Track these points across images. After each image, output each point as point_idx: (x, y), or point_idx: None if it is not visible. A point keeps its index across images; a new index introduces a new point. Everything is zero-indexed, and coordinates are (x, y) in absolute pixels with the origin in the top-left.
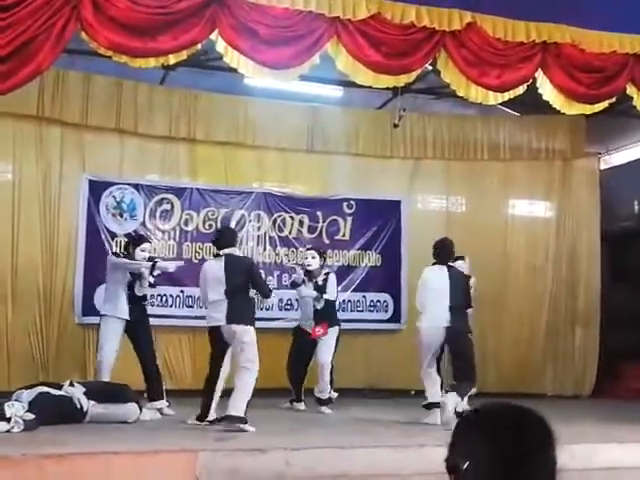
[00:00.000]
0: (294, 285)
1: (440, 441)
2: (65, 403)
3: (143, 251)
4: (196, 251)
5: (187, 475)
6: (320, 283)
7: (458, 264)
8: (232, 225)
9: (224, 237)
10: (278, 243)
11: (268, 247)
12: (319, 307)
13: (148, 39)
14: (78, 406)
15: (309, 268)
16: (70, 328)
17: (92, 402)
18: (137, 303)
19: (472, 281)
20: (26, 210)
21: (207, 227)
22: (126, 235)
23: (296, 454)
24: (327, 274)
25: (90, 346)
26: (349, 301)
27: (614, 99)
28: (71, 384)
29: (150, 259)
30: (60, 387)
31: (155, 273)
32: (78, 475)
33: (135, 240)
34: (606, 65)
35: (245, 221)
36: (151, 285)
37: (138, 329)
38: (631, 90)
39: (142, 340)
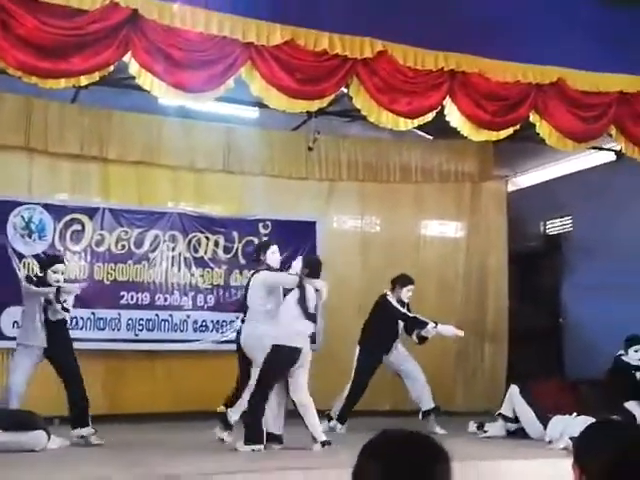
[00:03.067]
0: None
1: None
2: None
3: (56, 272)
4: (108, 272)
5: None
6: None
7: (411, 288)
8: (146, 246)
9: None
10: (193, 264)
11: (183, 268)
12: None
13: (59, 60)
14: None
15: None
16: None
17: None
18: (55, 328)
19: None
20: None
21: (120, 248)
22: (35, 257)
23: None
24: None
25: None
26: None
27: (519, 126)
28: None
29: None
30: None
31: (62, 298)
32: None
33: (46, 262)
34: (510, 94)
35: (159, 242)
36: (65, 309)
37: (59, 355)
38: (534, 118)
39: (65, 366)
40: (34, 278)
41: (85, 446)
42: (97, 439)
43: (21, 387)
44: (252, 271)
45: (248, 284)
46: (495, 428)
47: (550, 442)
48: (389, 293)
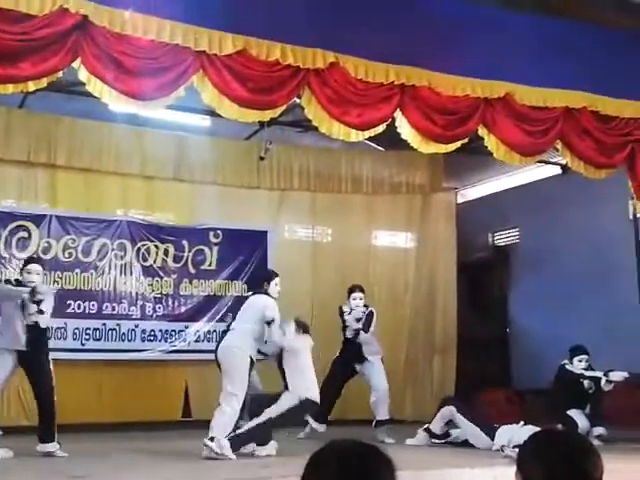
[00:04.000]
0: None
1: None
2: None
3: (29, 273)
4: (55, 280)
5: None
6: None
7: (356, 296)
8: (94, 254)
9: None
10: (142, 273)
11: (132, 277)
12: None
13: (6, 65)
14: None
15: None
16: None
17: None
18: (35, 333)
19: None
20: None
21: (67, 256)
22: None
23: None
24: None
25: None
26: (214, 331)
27: (467, 139)
28: None
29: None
30: None
31: (37, 299)
32: None
33: (24, 263)
34: (459, 108)
35: (107, 250)
36: (40, 312)
37: (33, 361)
38: (482, 131)
39: (37, 373)
40: (13, 282)
41: (31, 457)
42: (62, 452)
43: None
44: (252, 291)
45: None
46: (419, 439)
47: (497, 451)
48: (346, 303)
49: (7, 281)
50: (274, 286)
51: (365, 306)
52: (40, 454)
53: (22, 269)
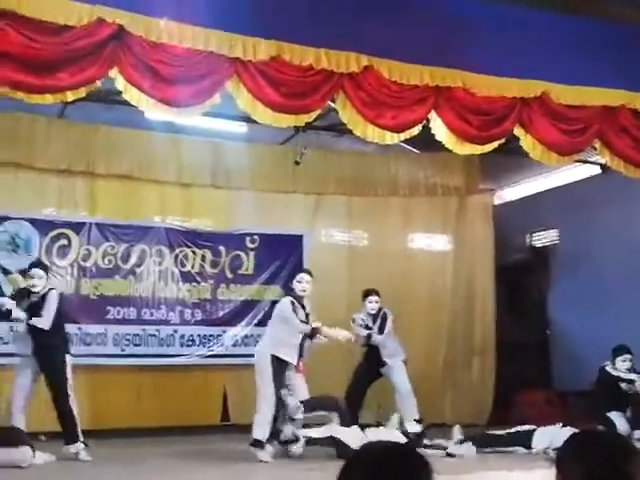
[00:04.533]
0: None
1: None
2: None
3: (32, 277)
4: (94, 287)
5: None
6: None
7: (372, 299)
8: (133, 260)
9: None
10: (180, 278)
11: (170, 282)
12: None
13: (45, 76)
14: None
15: (303, 294)
16: None
17: None
18: (39, 337)
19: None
20: None
21: (106, 262)
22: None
23: None
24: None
25: None
26: (251, 335)
27: (504, 139)
28: None
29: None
30: None
31: (12, 317)
32: None
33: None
34: (495, 108)
35: (146, 256)
36: (31, 317)
37: (45, 365)
38: (519, 132)
39: (49, 375)
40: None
41: (72, 461)
42: (86, 455)
43: (23, 401)
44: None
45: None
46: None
47: (537, 454)
48: (359, 310)
49: (14, 295)
50: (297, 283)
51: (379, 309)
52: (69, 456)
53: (26, 273)
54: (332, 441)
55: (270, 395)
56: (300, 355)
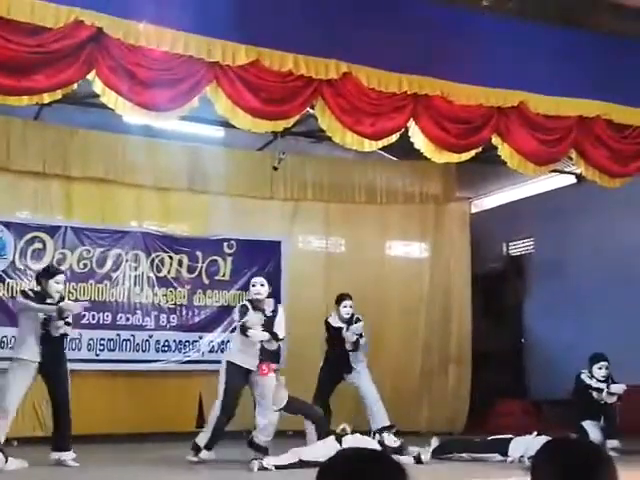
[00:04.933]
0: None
1: None
2: None
3: (58, 283)
4: (69, 292)
5: None
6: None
7: (347, 304)
8: (108, 265)
9: None
10: (156, 283)
11: (146, 287)
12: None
13: (21, 77)
14: None
15: (258, 297)
16: None
17: None
18: (52, 343)
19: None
20: None
21: (82, 267)
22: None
23: None
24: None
25: None
26: (227, 341)
27: (481, 148)
28: None
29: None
30: None
31: (65, 315)
32: None
33: (46, 274)
34: (473, 117)
35: (122, 261)
36: (67, 324)
37: (55, 372)
38: (496, 140)
39: (58, 384)
40: (31, 293)
41: (49, 467)
42: (74, 462)
43: (15, 408)
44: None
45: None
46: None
47: (512, 462)
48: (330, 315)
49: (24, 292)
50: (251, 287)
51: (352, 314)
52: (53, 462)
53: (48, 278)
54: (303, 463)
55: (218, 403)
56: (268, 358)
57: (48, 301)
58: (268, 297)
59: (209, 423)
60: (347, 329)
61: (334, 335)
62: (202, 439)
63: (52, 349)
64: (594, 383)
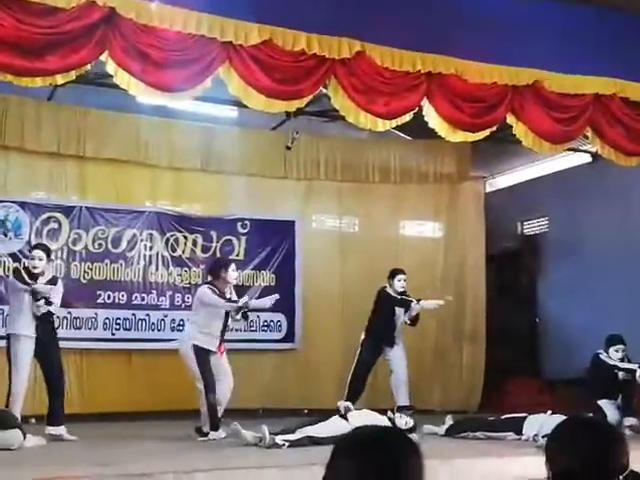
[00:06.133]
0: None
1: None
2: None
3: (32, 259)
4: (85, 271)
5: None
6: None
7: (401, 278)
8: (123, 245)
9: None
10: (171, 263)
11: (161, 267)
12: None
13: (34, 59)
14: None
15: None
16: None
17: None
18: (44, 320)
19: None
20: None
21: (97, 247)
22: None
23: (185, 477)
24: None
25: None
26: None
27: (495, 127)
28: None
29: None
30: None
31: (38, 297)
32: None
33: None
34: (487, 95)
35: (137, 241)
36: (48, 303)
37: (45, 347)
38: (511, 119)
39: (50, 358)
40: (22, 271)
41: (61, 442)
42: (69, 435)
43: (24, 386)
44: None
45: None
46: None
47: (526, 440)
48: (387, 285)
49: (16, 270)
50: (232, 273)
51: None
52: (50, 438)
53: (25, 256)
54: (310, 441)
55: (201, 386)
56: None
57: (28, 280)
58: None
59: (202, 407)
60: (409, 303)
61: (386, 307)
62: (205, 424)
63: (45, 326)
64: (621, 364)
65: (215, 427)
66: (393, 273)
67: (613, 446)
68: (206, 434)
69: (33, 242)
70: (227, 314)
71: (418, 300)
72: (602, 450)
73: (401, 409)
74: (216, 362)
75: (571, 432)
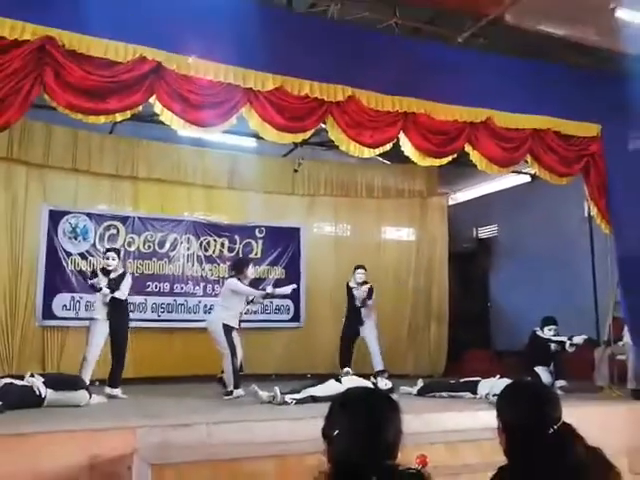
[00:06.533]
0: None
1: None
2: (27, 391)
3: (107, 259)
4: (137, 267)
5: (127, 448)
6: None
7: (360, 272)
8: (167, 246)
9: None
10: (204, 260)
11: (196, 264)
12: None
13: (99, 101)
14: (38, 393)
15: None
16: (31, 329)
17: (50, 390)
18: (113, 305)
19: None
20: None
21: (146, 248)
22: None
23: (215, 427)
24: None
25: (48, 344)
26: (260, 305)
27: (456, 154)
28: (32, 375)
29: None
30: (22, 378)
31: (97, 289)
32: (40, 451)
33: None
34: (450, 129)
35: (177, 243)
36: (112, 290)
37: (115, 326)
38: (468, 148)
39: (117, 335)
40: (98, 269)
41: (117, 400)
42: (123, 395)
43: (97, 356)
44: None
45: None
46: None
47: (480, 399)
48: (350, 279)
49: (93, 272)
50: (251, 270)
51: (365, 282)
52: (108, 396)
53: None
54: (312, 399)
55: (228, 352)
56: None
57: (101, 276)
58: None
59: (227, 370)
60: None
61: (350, 295)
62: (230, 383)
63: (113, 310)
64: (554, 337)
65: (237, 385)
66: (354, 268)
67: (548, 403)
68: (230, 392)
69: (97, 245)
70: (246, 300)
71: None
72: (540, 406)
73: (378, 373)
74: (234, 336)
75: (516, 392)
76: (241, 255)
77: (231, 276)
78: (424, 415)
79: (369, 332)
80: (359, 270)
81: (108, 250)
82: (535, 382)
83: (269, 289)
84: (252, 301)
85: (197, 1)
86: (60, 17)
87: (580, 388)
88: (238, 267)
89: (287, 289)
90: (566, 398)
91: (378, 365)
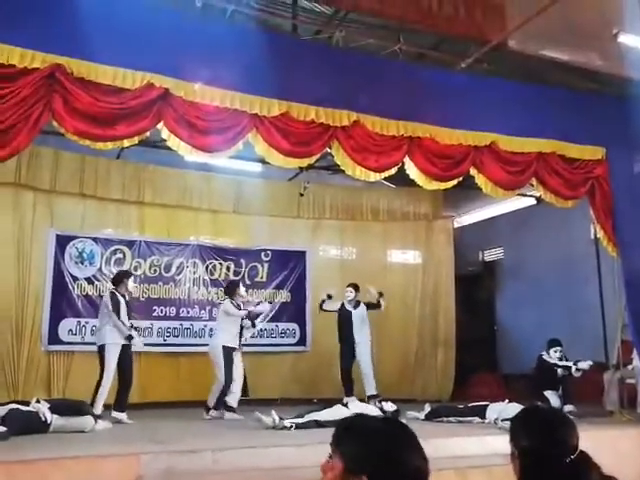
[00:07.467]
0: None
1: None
2: (33, 417)
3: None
4: (143, 291)
5: (132, 474)
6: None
7: (348, 290)
8: (173, 270)
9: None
10: (210, 284)
11: (202, 288)
12: None
13: (107, 128)
14: (43, 419)
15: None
16: (37, 354)
17: (55, 416)
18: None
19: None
20: (2, 257)
21: (153, 272)
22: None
23: (220, 454)
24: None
25: (54, 369)
26: (265, 329)
27: (461, 178)
28: (37, 401)
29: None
30: (28, 404)
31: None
32: (43, 478)
33: (127, 274)
34: (455, 153)
35: (183, 267)
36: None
37: (122, 352)
38: (473, 171)
39: (126, 360)
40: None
41: (123, 425)
42: (128, 420)
43: (111, 380)
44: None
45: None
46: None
47: (489, 424)
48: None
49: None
50: (242, 290)
51: (358, 301)
52: (113, 420)
53: (122, 280)
54: (316, 424)
55: (221, 375)
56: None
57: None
58: None
59: (213, 391)
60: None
61: (342, 317)
62: (210, 403)
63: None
64: (559, 362)
65: (216, 407)
66: (347, 285)
67: (564, 429)
68: (209, 410)
69: (104, 269)
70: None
71: (258, 303)
72: (555, 432)
73: (370, 398)
74: (235, 359)
75: (530, 417)
76: (247, 278)
77: (225, 299)
78: (432, 440)
79: (363, 353)
80: (347, 289)
81: (130, 274)
82: (550, 408)
83: (250, 307)
84: (243, 327)
85: (203, 28)
86: (69, 45)
87: (590, 412)
88: (230, 289)
89: (265, 306)
90: (577, 423)
91: (370, 388)
